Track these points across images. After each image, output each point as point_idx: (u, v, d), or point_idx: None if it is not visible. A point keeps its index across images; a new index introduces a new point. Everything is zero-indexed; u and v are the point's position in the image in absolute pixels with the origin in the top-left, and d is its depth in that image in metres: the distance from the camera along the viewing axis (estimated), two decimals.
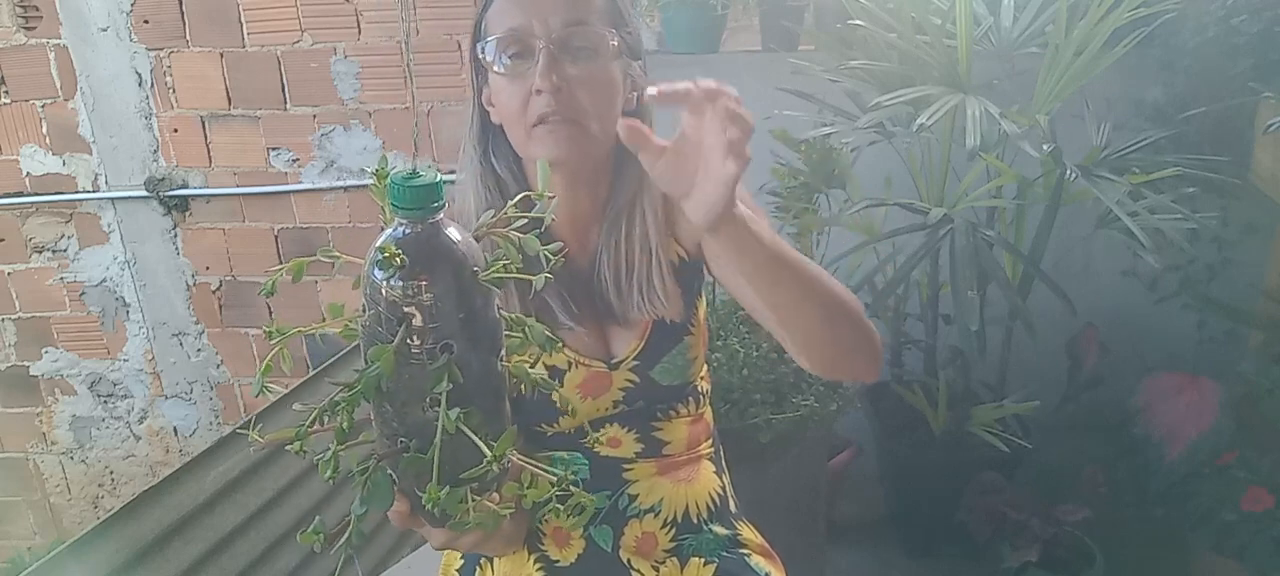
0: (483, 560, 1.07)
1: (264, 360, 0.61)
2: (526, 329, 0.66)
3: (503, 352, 0.64)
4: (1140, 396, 1.87)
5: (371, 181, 0.62)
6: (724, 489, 1.11)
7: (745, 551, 1.07)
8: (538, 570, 1.02)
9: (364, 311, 0.61)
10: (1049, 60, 1.66)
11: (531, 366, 0.68)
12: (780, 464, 1.62)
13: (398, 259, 0.57)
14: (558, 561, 1.03)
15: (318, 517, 0.64)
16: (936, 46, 1.67)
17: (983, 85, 1.69)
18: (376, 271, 0.59)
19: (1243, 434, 1.74)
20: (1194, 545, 1.74)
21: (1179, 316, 2.05)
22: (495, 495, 0.64)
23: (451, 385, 0.59)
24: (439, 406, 0.59)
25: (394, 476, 0.64)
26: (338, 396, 0.60)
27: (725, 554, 1.05)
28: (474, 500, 0.61)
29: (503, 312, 0.64)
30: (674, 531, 1.03)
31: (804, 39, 2.11)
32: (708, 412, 1.10)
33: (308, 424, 0.61)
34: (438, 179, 0.59)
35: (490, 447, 0.61)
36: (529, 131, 0.88)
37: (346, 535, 0.62)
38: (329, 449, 0.61)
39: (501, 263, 0.62)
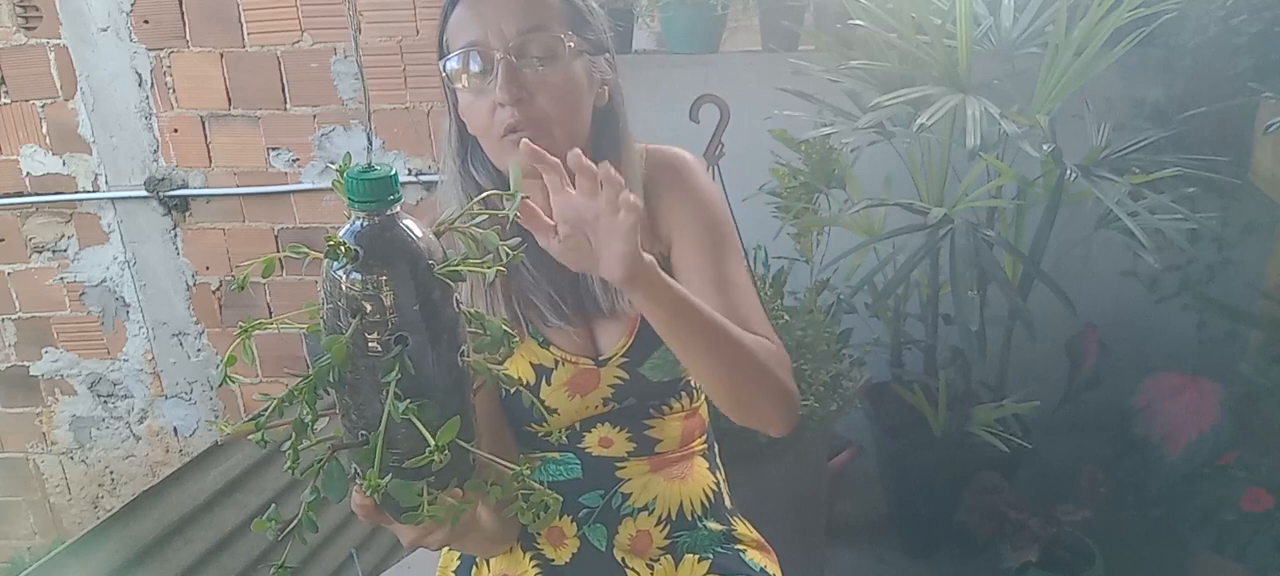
0: (478, 560, 1.07)
1: (226, 353, 0.61)
2: (484, 324, 0.66)
3: (464, 348, 0.64)
4: (1140, 396, 1.86)
5: (334, 178, 0.62)
6: (718, 485, 1.11)
7: (740, 546, 1.07)
8: (534, 569, 1.03)
9: (323, 305, 0.61)
10: (1049, 60, 1.66)
11: (501, 363, 0.68)
12: (780, 464, 1.62)
13: (344, 248, 0.58)
14: (553, 560, 1.03)
15: (273, 505, 0.64)
16: (936, 46, 1.67)
17: (983, 85, 1.69)
18: (333, 263, 0.59)
19: (1243, 434, 1.74)
20: (1194, 545, 1.74)
21: (1179, 316, 2.05)
22: (458, 491, 0.64)
23: (401, 375, 0.59)
24: (397, 397, 0.59)
25: (358, 469, 0.64)
26: (294, 387, 0.60)
27: (720, 549, 1.05)
28: (429, 493, 0.61)
29: (463, 308, 0.64)
30: (668, 529, 1.04)
31: (804, 39, 2.10)
32: (703, 408, 1.10)
33: (267, 415, 0.61)
34: (392, 172, 0.60)
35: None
36: (498, 143, 0.89)
37: (296, 520, 0.62)
38: (304, 444, 0.61)
39: (462, 256, 0.63)
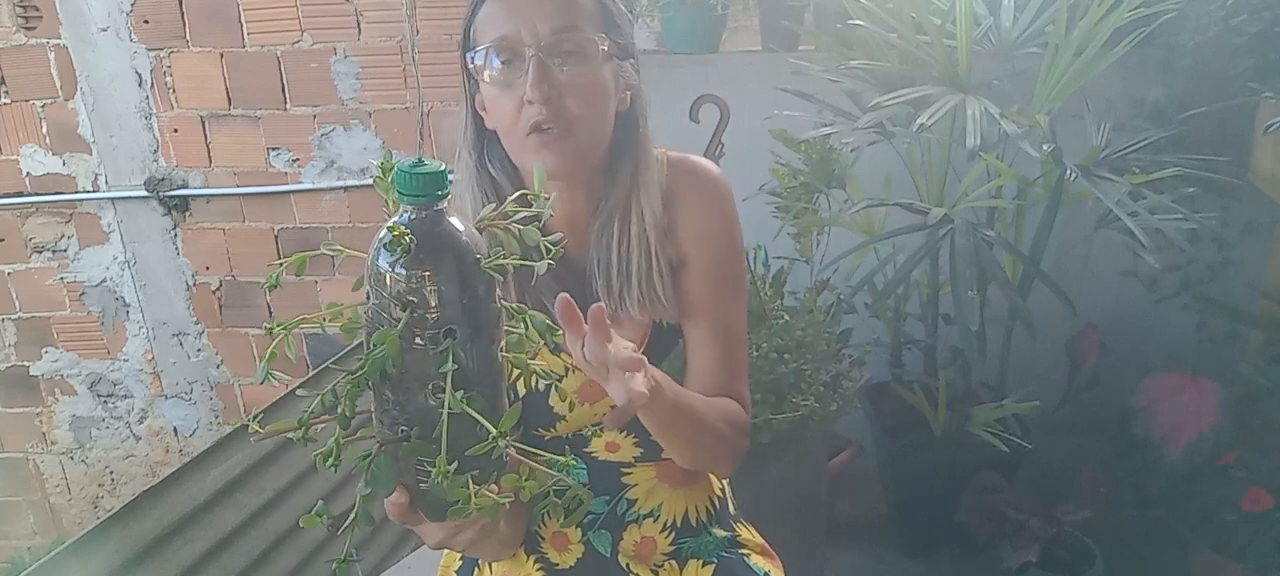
0: (480, 562, 1.07)
1: (268, 350, 0.61)
2: (527, 318, 0.66)
3: (502, 343, 0.65)
4: (1140, 396, 1.86)
5: (376, 175, 0.62)
6: (723, 490, 1.11)
7: (744, 551, 1.07)
8: (538, 573, 1.03)
9: (368, 299, 0.61)
10: (1049, 60, 1.66)
11: (533, 357, 0.68)
12: (780, 464, 1.62)
13: (406, 238, 0.58)
14: (557, 565, 1.03)
15: (320, 501, 0.64)
16: (936, 46, 1.67)
17: (983, 85, 1.69)
18: (381, 257, 0.60)
19: (1243, 434, 1.74)
20: (1194, 545, 1.74)
21: (1179, 316, 2.04)
22: (494, 487, 0.65)
23: (456, 366, 0.59)
24: (442, 391, 0.60)
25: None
26: (341, 381, 0.60)
27: (724, 555, 1.05)
28: (475, 488, 0.62)
29: (503, 303, 0.65)
30: (673, 535, 1.03)
31: (804, 39, 2.10)
32: None
33: (310, 411, 0.61)
34: (442, 167, 0.60)
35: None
36: (522, 141, 0.88)
37: (353, 516, 0.63)
38: (329, 440, 0.61)
39: (503, 252, 0.64)
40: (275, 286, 0.63)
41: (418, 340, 0.60)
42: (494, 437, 0.60)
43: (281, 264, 0.63)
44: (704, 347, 0.97)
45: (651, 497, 1.02)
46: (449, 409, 0.59)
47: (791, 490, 1.71)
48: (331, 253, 0.65)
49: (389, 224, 0.59)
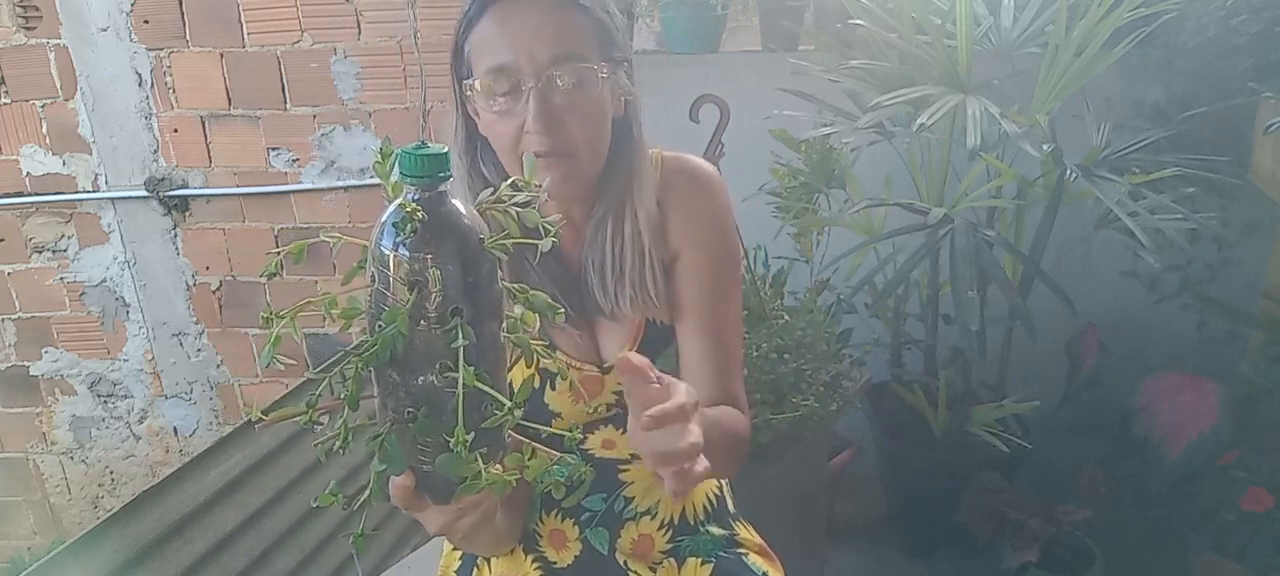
0: (479, 561, 1.07)
1: (272, 334, 0.62)
2: (528, 297, 0.67)
3: (504, 324, 0.65)
4: (1140, 396, 1.86)
5: (376, 160, 0.63)
6: (721, 489, 1.11)
7: (742, 550, 1.07)
8: (536, 571, 1.03)
9: (373, 282, 0.62)
10: (1049, 60, 1.66)
11: (535, 337, 0.68)
12: (780, 464, 1.62)
13: (417, 214, 0.58)
14: (555, 563, 1.03)
15: (333, 481, 0.65)
16: (936, 46, 1.67)
17: (983, 85, 1.69)
18: (386, 238, 0.60)
19: (1243, 434, 1.74)
20: (1194, 545, 1.74)
21: (1179, 316, 2.05)
22: (498, 466, 0.65)
23: (466, 342, 0.60)
24: (448, 370, 0.60)
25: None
26: (347, 362, 0.60)
27: (722, 554, 1.05)
28: (484, 465, 0.62)
29: (505, 283, 0.65)
30: (671, 533, 1.03)
31: (804, 39, 2.11)
32: None
33: (318, 393, 0.61)
34: (445, 150, 0.61)
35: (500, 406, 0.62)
36: (521, 160, 0.87)
37: (368, 492, 0.63)
38: (332, 432, 0.62)
39: (506, 233, 0.64)
40: (274, 274, 0.63)
41: (422, 322, 0.60)
42: (509, 409, 0.61)
43: (279, 252, 0.63)
44: (697, 346, 0.97)
45: (649, 495, 1.02)
46: (464, 383, 0.60)
47: (791, 490, 1.71)
48: (331, 239, 0.66)
49: (399, 200, 0.60)
